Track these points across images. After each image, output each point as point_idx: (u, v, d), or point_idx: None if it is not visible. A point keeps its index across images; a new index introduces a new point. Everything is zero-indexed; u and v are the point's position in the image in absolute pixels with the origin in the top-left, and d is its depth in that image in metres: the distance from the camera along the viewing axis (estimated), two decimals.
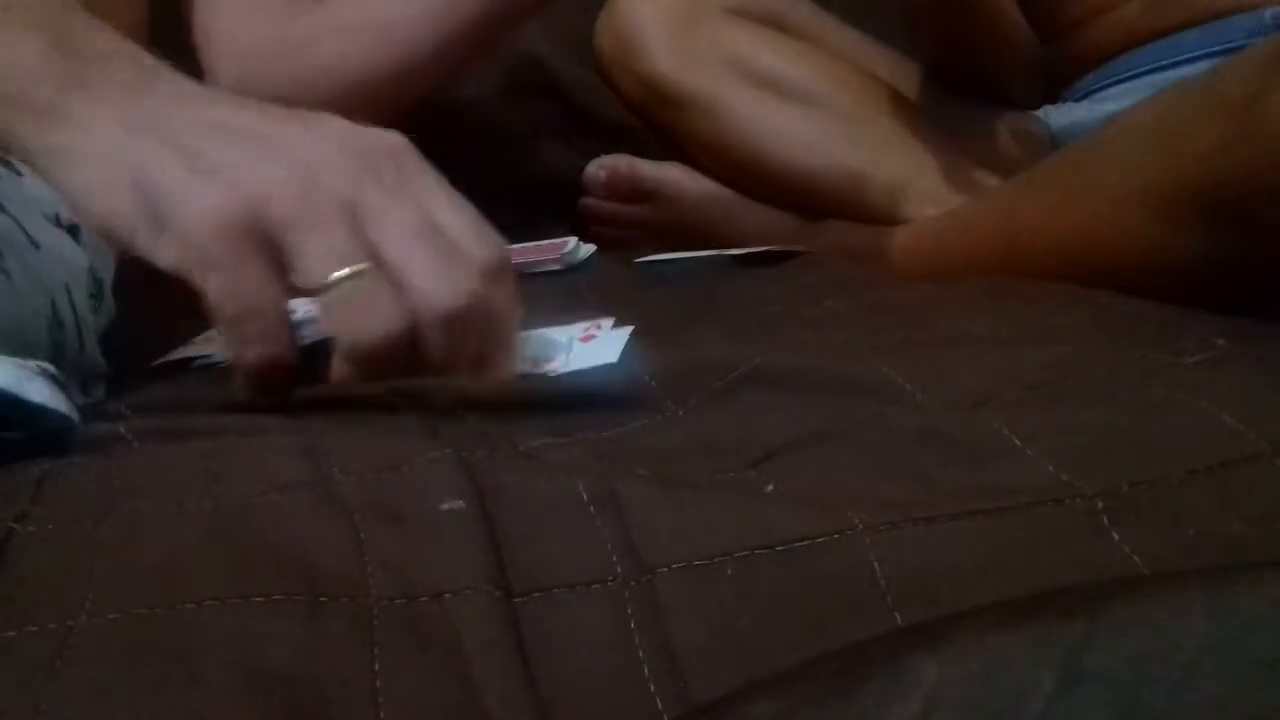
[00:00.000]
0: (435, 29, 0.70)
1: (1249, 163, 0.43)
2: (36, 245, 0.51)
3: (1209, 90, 0.48)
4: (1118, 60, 0.96)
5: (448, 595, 0.28)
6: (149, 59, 0.45)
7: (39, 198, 0.53)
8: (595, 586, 0.29)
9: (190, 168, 0.39)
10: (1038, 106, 1.01)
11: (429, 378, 0.41)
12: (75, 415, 0.40)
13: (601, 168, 0.99)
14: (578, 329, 0.49)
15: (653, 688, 0.27)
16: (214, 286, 0.39)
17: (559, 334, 0.48)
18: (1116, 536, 0.29)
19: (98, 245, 0.57)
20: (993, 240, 0.63)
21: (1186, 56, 0.91)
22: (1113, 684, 0.22)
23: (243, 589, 0.28)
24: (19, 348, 0.45)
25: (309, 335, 0.44)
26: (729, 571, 0.29)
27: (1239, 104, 0.44)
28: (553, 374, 0.45)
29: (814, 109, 0.92)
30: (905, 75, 1.01)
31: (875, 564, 0.29)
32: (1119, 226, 0.51)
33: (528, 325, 0.53)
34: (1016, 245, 0.60)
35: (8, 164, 0.52)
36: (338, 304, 0.39)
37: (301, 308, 0.47)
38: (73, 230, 0.55)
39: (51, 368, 0.42)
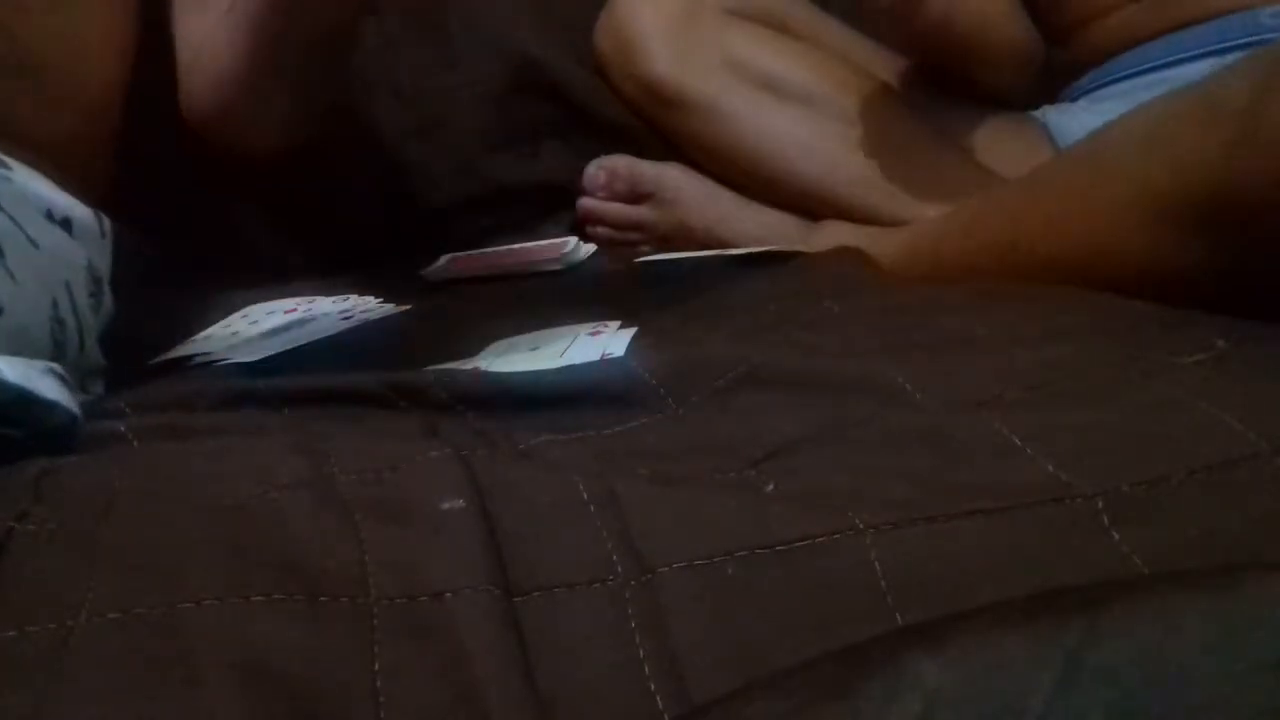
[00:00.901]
0: (250, 53, 0.71)
1: (1249, 171, 0.43)
2: (36, 245, 0.51)
3: (1208, 98, 0.48)
4: (1116, 60, 0.96)
5: (448, 595, 0.28)
6: None
7: (31, 193, 0.53)
8: (595, 586, 0.29)
9: None
10: (1038, 106, 1.01)
11: None
12: (79, 412, 0.40)
13: (601, 168, 0.99)
14: (585, 327, 0.49)
15: (653, 687, 0.27)
16: None
17: (566, 330, 0.49)
18: (1116, 536, 0.29)
19: (93, 238, 0.57)
20: (993, 245, 0.63)
21: (1184, 56, 0.91)
22: (1113, 684, 0.22)
23: (243, 589, 0.28)
24: (23, 348, 0.45)
25: (295, 339, 0.44)
26: (729, 571, 0.29)
27: (1239, 112, 0.44)
28: (553, 365, 0.45)
29: (814, 110, 0.92)
30: (905, 76, 1.01)
31: (875, 564, 0.29)
32: (1120, 233, 0.51)
33: (530, 326, 0.53)
34: (1017, 250, 0.60)
35: None
36: None
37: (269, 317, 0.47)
38: (65, 224, 0.55)
39: (58, 367, 0.42)
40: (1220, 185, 0.45)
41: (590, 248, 0.84)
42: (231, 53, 0.71)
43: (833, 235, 0.89)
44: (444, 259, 0.80)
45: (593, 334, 0.49)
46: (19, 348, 0.45)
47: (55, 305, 0.51)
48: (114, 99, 0.65)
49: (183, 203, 0.77)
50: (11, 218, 0.50)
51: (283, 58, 0.70)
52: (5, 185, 0.51)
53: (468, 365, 0.48)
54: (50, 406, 0.39)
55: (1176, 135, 0.49)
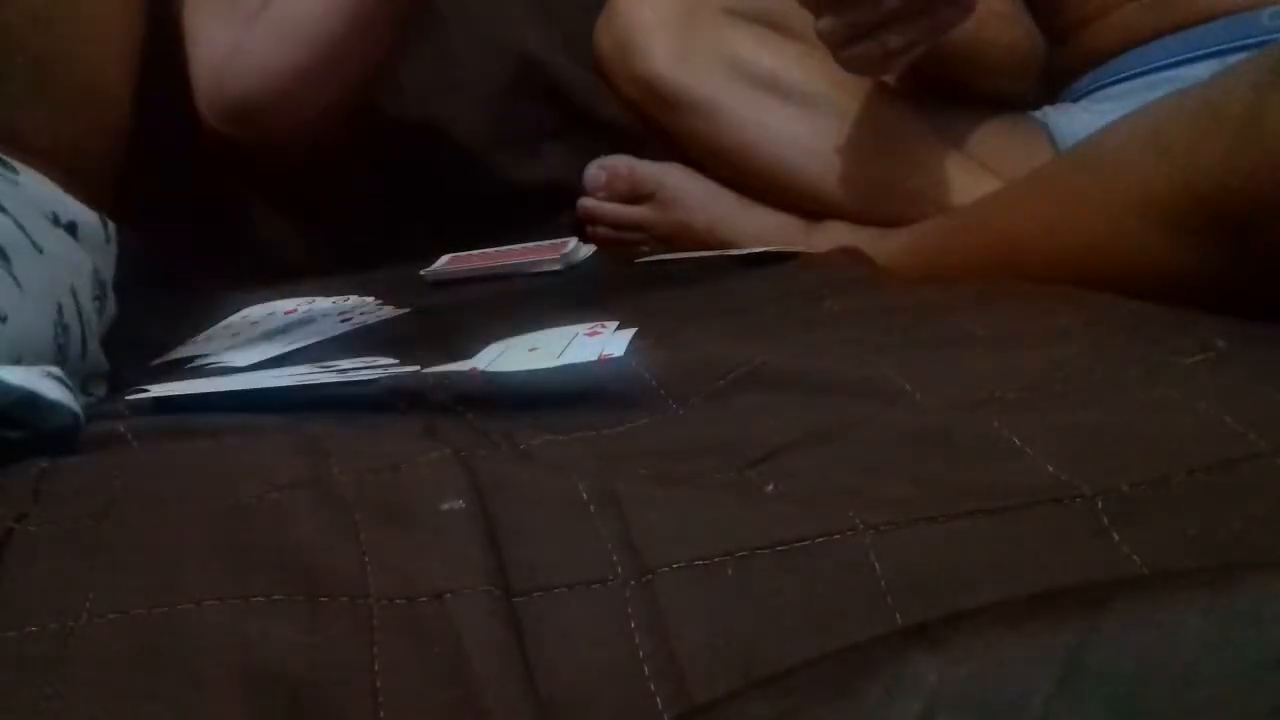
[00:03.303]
0: (330, 22, 0.74)
1: (1250, 175, 0.43)
2: (40, 249, 0.51)
3: (1209, 101, 0.48)
4: (1117, 60, 0.95)
5: (448, 595, 0.28)
6: None
7: (37, 197, 0.53)
8: (595, 586, 0.29)
9: None
10: (1038, 107, 1.01)
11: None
12: (81, 413, 0.40)
13: (601, 168, 0.99)
14: (583, 327, 0.49)
15: (653, 687, 0.27)
16: None
17: (564, 330, 0.48)
18: (1116, 537, 0.29)
19: (98, 243, 0.57)
20: (993, 246, 0.63)
21: (1185, 57, 0.91)
22: (1113, 684, 0.22)
23: (243, 589, 0.28)
24: (26, 355, 0.45)
25: (295, 340, 0.44)
26: (729, 571, 0.29)
27: (1240, 116, 0.44)
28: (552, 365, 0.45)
29: (813, 110, 0.92)
30: (904, 76, 1.01)
31: (875, 564, 0.29)
32: (1120, 234, 0.51)
33: (530, 326, 0.53)
34: (1017, 251, 0.60)
35: (3, 163, 0.52)
36: None
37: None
38: (71, 229, 0.55)
39: (58, 371, 0.42)
40: (1221, 187, 0.45)
41: (590, 248, 0.84)
42: (288, 48, 0.74)
43: (833, 235, 0.89)
44: (444, 259, 0.80)
45: (590, 334, 0.49)
46: (22, 354, 0.45)
47: (60, 310, 0.51)
48: (122, 104, 0.65)
49: (183, 204, 0.77)
50: (18, 223, 0.50)
51: (355, 50, 0.73)
52: (12, 190, 0.51)
53: (465, 366, 0.48)
54: (54, 407, 0.39)
55: (1177, 137, 0.49)
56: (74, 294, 0.53)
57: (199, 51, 0.79)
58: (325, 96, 0.78)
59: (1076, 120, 0.95)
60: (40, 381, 0.39)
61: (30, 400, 0.37)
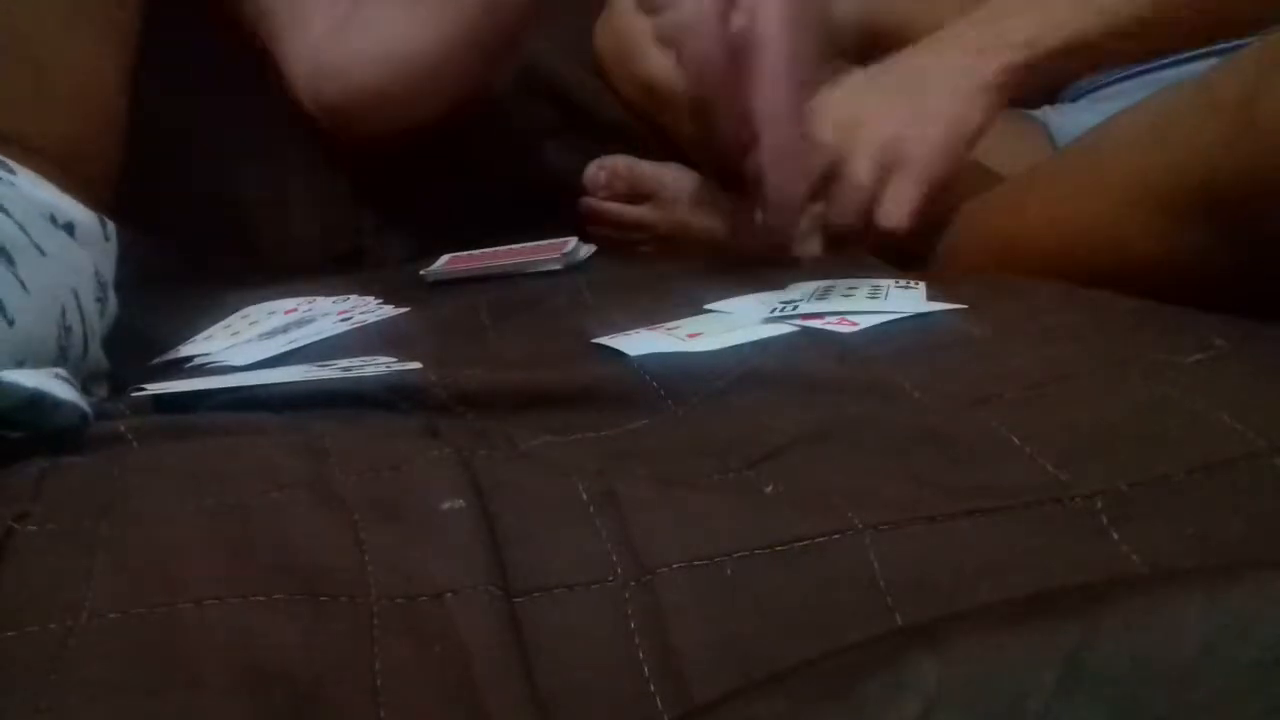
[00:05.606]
0: (417, 44, 0.75)
1: (1247, 161, 0.43)
2: (41, 251, 0.51)
3: (1205, 90, 0.48)
4: None
5: (448, 595, 0.28)
6: None
7: (34, 197, 0.53)
8: (595, 586, 0.29)
9: None
10: (1038, 106, 1.01)
11: None
12: (89, 410, 0.40)
13: (601, 168, 0.99)
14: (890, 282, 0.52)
15: (653, 687, 0.27)
16: None
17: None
18: (1116, 536, 0.29)
19: (96, 242, 0.57)
20: (994, 241, 0.63)
21: (1183, 55, 0.91)
22: (1113, 684, 0.22)
23: (243, 589, 0.28)
24: (30, 358, 0.45)
25: (295, 340, 0.43)
26: (729, 571, 0.29)
27: (1235, 103, 0.44)
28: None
29: None
30: None
31: (875, 564, 0.29)
32: (1121, 227, 0.51)
33: (530, 326, 0.53)
34: (1017, 245, 0.60)
35: (0, 163, 0.52)
36: None
37: None
38: (69, 228, 0.55)
39: (63, 371, 0.42)
40: (1218, 176, 0.45)
41: (590, 248, 0.84)
42: (367, 65, 0.76)
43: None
44: (444, 259, 0.80)
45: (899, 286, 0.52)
46: (26, 356, 0.45)
47: (63, 313, 0.51)
48: (116, 102, 0.65)
49: (183, 203, 0.77)
50: (20, 225, 0.49)
51: (443, 77, 0.76)
52: (9, 190, 0.51)
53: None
54: (63, 406, 0.39)
55: (1175, 127, 0.49)
56: (76, 295, 0.53)
57: (294, 43, 0.79)
58: (410, 115, 0.78)
59: (1076, 120, 0.95)
60: (49, 382, 0.39)
61: (39, 400, 0.37)
